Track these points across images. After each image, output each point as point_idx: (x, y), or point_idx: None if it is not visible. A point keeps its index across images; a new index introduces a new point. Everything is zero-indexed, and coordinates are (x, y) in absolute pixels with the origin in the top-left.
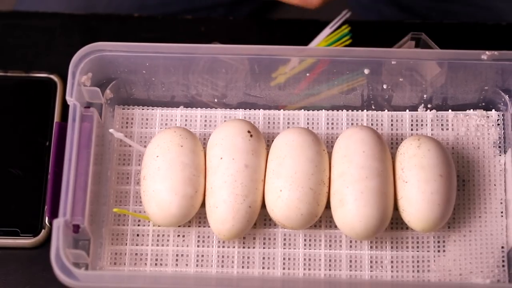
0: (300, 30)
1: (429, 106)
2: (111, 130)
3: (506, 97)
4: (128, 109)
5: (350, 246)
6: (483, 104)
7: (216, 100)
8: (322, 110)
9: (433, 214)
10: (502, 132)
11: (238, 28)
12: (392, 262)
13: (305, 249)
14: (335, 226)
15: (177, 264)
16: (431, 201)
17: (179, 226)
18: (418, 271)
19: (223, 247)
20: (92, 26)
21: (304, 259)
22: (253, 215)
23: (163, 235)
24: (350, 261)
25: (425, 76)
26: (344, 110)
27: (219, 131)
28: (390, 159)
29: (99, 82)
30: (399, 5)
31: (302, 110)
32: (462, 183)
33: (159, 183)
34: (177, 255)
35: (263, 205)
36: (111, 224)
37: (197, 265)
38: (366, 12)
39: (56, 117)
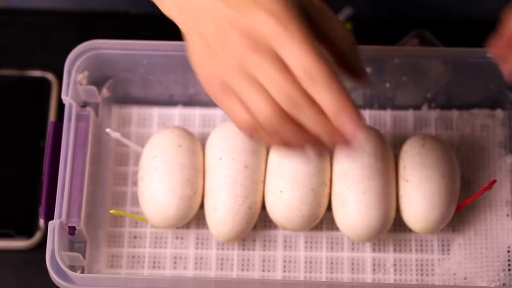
0: None
1: (433, 105)
2: (107, 130)
3: None
4: (125, 108)
5: (352, 248)
6: (489, 103)
7: None
8: None
9: (433, 215)
10: (508, 132)
11: None
12: (395, 265)
13: (306, 251)
14: (337, 228)
15: (175, 267)
16: (431, 201)
17: (177, 228)
18: (422, 274)
19: (223, 249)
20: (89, 23)
21: (305, 262)
22: (253, 216)
23: (161, 237)
24: (352, 263)
25: (430, 74)
26: None
27: (218, 131)
28: (393, 159)
29: (95, 81)
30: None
31: None
32: (466, 184)
33: (156, 184)
34: (175, 257)
35: (263, 207)
36: (107, 226)
37: (195, 268)
38: (369, 9)
39: (52, 117)
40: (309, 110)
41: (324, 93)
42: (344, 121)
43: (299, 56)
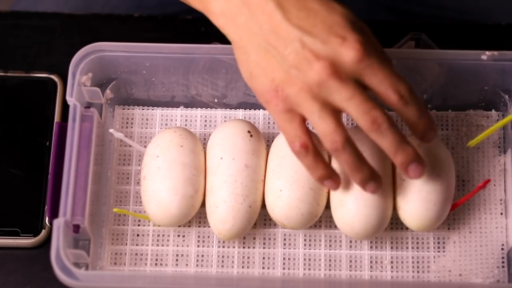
0: None
1: (429, 106)
2: (111, 130)
3: (506, 97)
4: (128, 109)
5: (350, 246)
6: (483, 104)
7: (216, 100)
8: None
9: (429, 213)
10: (502, 132)
11: None
12: (392, 262)
13: (305, 249)
14: (335, 226)
15: (177, 264)
16: (427, 200)
17: (179, 226)
18: (418, 271)
19: (223, 247)
20: (92, 26)
21: (304, 259)
22: (253, 215)
23: (163, 235)
24: (350, 261)
25: (425, 76)
26: None
27: (219, 131)
28: (390, 159)
29: (99, 82)
30: (398, 9)
31: None
32: (462, 183)
33: (159, 183)
34: (177, 255)
35: (263, 205)
36: (111, 224)
37: (197, 265)
38: (366, 11)
39: (56, 117)
40: (389, 131)
41: (416, 111)
42: (431, 137)
43: (391, 80)
